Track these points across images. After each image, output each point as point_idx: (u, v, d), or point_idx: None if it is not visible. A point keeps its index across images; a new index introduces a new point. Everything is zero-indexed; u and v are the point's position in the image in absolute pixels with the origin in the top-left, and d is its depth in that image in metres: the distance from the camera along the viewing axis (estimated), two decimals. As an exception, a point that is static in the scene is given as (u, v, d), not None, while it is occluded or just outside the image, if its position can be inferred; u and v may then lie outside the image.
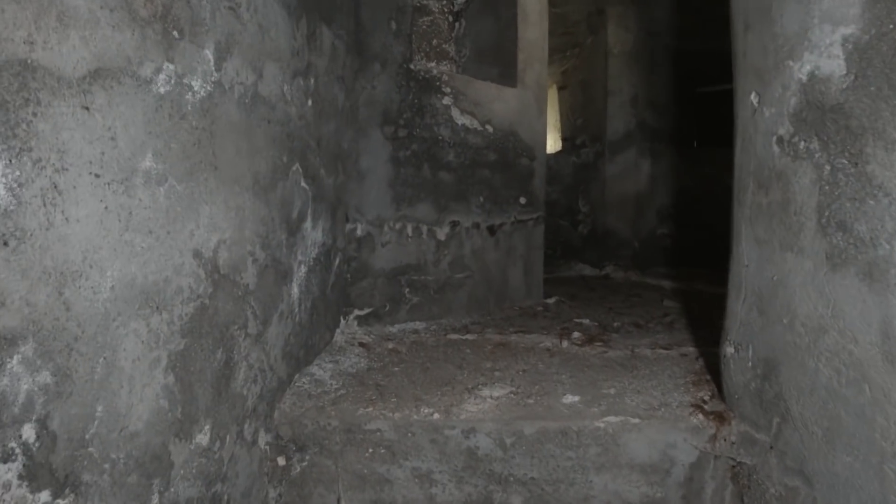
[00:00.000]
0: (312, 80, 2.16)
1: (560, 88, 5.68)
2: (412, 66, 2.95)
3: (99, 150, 1.09)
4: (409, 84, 2.93)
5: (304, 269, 2.15)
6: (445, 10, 3.91)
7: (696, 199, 5.35)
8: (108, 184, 1.11)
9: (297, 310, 2.07)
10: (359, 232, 2.81)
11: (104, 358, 1.11)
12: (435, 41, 3.87)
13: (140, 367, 1.20)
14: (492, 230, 3.33)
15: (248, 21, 1.63)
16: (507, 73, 3.50)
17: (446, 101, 3.08)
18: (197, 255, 1.39)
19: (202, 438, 1.43)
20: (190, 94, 1.36)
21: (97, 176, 1.08)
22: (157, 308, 1.25)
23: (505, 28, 3.55)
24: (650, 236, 5.41)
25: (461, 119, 3.15)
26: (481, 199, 3.26)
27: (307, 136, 2.12)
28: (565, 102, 5.69)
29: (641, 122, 5.29)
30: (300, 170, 2.05)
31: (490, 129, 3.29)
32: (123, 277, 1.15)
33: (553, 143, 6.01)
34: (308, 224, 2.18)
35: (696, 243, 5.37)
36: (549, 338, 2.70)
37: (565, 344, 2.56)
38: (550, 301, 3.64)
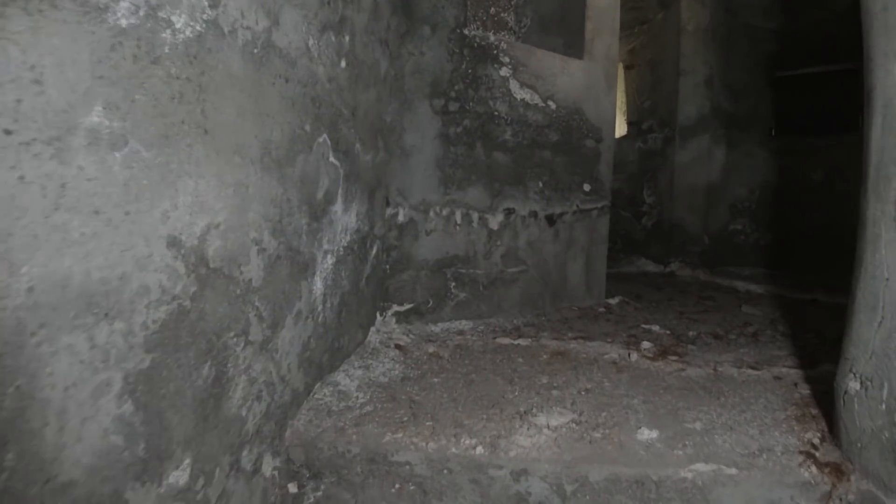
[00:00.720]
0: (347, 38, 1.80)
1: (626, 68, 5.18)
2: (466, 32, 2.57)
3: (13, 97, 0.75)
4: (462, 52, 2.55)
5: (331, 259, 1.81)
6: (506, -25, 3.49)
7: (774, 193, 4.81)
8: (27, 144, 0.77)
9: (320, 308, 1.73)
10: (400, 217, 2.45)
11: (16, 387, 0.78)
12: (493, 9, 3.47)
13: (77, 396, 0.87)
14: (551, 220, 2.93)
15: (260, -50, 1.27)
16: (573, 43, 3.08)
17: (504, 72, 2.69)
18: (173, 243, 1.05)
19: (178, 477, 1.10)
20: (168, 31, 1.01)
21: (7, 132, 0.75)
22: (108, 315, 0.91)
23: (573, -6, 3.12)
24: (722, 232, 4.90)
25: (520, 93, 2.75)
26: (540, 184, 2.86)
27: (339, 102, 1.77)
28: (632, 83, 5.19)
29: (716, 107, 4.76)
30: (328, 142, 1.70)
31: (552, 105, 2.88)
32: (50, 275, 0.81)
33: (618, 127, 5.52)
34: (338, 207, 1.83)
35: (773, 242, 4.84)
36: (614, 347, 2.29)
37: (634, 356, 2.15)
38: (613, 301, 3.22)
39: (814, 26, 4.59)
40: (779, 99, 5.19)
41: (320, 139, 1.64)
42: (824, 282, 4.43)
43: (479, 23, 3.40)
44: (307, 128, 1.55)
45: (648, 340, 2.39)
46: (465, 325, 2.61)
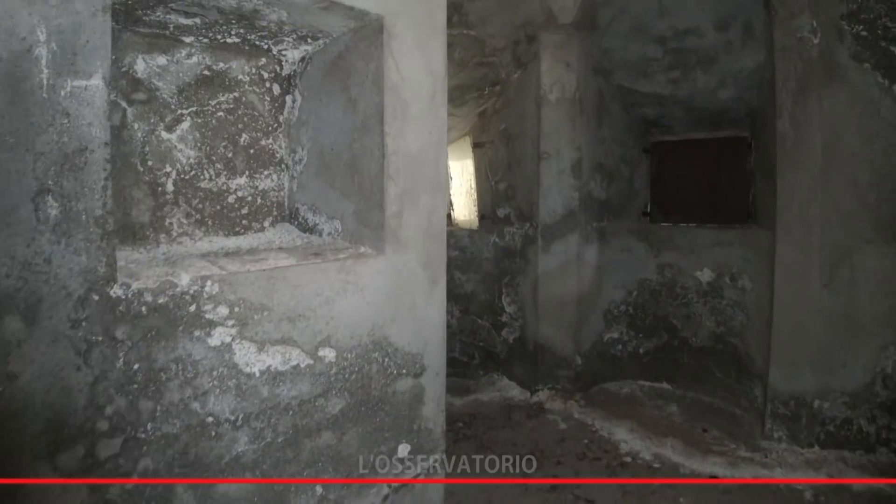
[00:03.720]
0: None
1: (475, 146, 3.96)
2: (117, 292, 1.22)
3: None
4: (111, 335, 1.20)
5: None
6: (266, 77, 2.13)
7: (654, 294, 3.84)
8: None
9: None
10: None
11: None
12: (246, 135, 2.10)
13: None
14: (341, 535, 1.68)
15: None
16: (367, 215, 1.81)
17: (219, 336, 1.37)
18: None
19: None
20: None
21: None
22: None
23: (364, 128, 1.82)
24: (596, 344, 3.88)
25: (260, 360, 1.45)
26: (319, 489, 1.60)
27: None
28: (482, 159, 3.99)
29: (586, 197, 3.65)
30: None
31: (329, 355, 1.60)
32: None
33: (468, 218, 4.32)
34: None
35: (654, 350, 3.89)
36: None
37: None
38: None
39: (698, 92, 3.58)
40: (656, 173, 4.21)
41: None
42: (716, 409, 3.55)
43: (222, 164, 2.03)
44: None
45: None
46: None
